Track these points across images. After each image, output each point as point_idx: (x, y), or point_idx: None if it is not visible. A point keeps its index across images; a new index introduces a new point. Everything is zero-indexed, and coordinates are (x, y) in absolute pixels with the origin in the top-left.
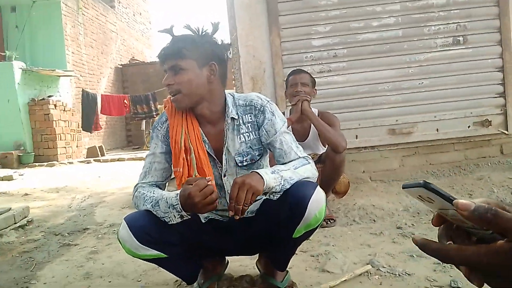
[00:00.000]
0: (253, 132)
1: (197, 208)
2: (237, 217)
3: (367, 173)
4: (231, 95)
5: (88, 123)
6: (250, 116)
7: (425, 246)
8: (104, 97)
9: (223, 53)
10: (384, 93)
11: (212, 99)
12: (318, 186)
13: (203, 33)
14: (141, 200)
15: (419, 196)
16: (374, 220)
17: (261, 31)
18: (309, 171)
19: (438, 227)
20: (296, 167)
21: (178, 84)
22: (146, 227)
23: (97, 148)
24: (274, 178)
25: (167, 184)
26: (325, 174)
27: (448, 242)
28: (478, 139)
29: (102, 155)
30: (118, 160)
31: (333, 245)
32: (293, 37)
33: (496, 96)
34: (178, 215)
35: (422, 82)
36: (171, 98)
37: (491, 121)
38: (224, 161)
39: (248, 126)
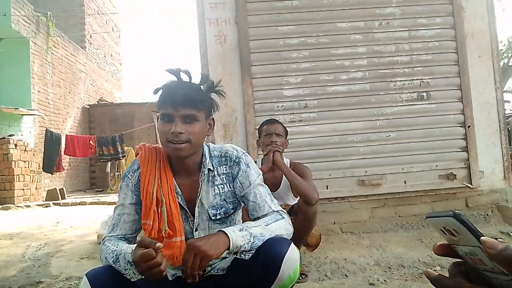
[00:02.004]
0: (227, 184)
1: (146, 275)
2: (189, 281)
3: (338, 224)
4: (207, 146)
5: (50, 164)
6: (225, 167)
7: (438, 281)
8: (68, 137)
9: (216, 108)
10: (353, 144)
11: (199, 150)
12: (292, 243)
13: (211, 87)
14: (104, 253)
15: (443, 228)
16: (346, 275)
17: (233, 79)
18: (283, 227)
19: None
20: (268, 224)
21: (190, 134)
22: (108, 285)
23: (58, 190)
24: (242, 236)
25: (137, 236)
26: (297, 227)
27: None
28: (443, 192)
29: (63, 198)
30: (79, 204)
31: None
32: (265, 87)
33: (459, 150)
34: (137, 272)
35: (390, 135)
36: (179, 145)
37: (455, 174)
38: (196, 214)
39: (222, 177)
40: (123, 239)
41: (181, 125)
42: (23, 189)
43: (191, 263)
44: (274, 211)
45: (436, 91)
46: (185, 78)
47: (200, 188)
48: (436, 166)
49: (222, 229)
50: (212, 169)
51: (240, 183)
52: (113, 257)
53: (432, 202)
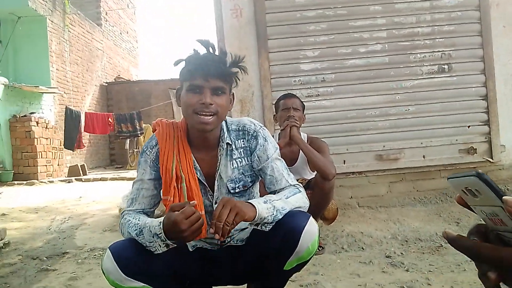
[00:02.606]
0: (245, 158)
1: (184, 236)
2: (218, 236)
3: (355, 199)
4: (224, 120)
5: (71, 141)
6: (243, 141)
7: (456, 241)
8: (88, 115)
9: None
10: (371, 119)
11: (220, 125)
12: (311, 216)
13: (235, 62)
14: (126, 227)
15: (465, 188)
16: (363, 248)
17: (249, 53)
18: (301, 200)
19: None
20: (288, 197)
21: (218, 106)
22: (132, 258)
23: (79, 167)
24: (266, 208)
25: (155, 210)
26: (314, 201)
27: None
28: (464, 166)
29: (84, 174)
30: (100, 179)
31: (322, 274)
32: (282, 61)
33: (480, 124)
34: (163, 244)
35: (409, 109)
36: (207, 118)
37: (476, 148)
38: (216, 188)
39: (240, 151)
40: (142, 213)
41: (210, 96)
42: (46, 165)
43: (225, 216)
44: (291, 185)
45: (458, 63)
46: (212, 51)
47: (219, 163)
48: (456, 140)
49: (249, 201)
50: (230, 143)
51: (258, 157)
52: (136, 230)
53: None
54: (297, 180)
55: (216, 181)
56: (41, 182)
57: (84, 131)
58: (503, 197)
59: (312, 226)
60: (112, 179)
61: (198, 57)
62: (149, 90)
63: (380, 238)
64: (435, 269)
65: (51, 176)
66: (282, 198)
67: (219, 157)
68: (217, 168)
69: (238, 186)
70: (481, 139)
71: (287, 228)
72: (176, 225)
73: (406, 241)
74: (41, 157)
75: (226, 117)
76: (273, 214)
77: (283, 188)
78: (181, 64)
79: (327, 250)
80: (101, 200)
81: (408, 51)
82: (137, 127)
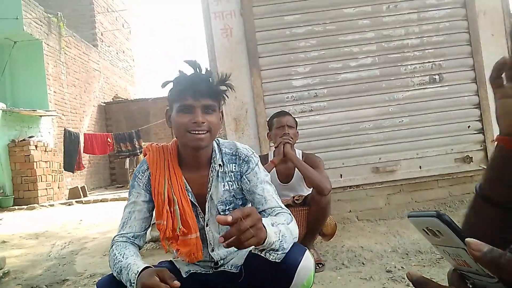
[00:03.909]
0: (236, 182)
1: None
2: (224, 243)
3: (354, 212)
4: (216, 141)
5: (71, 163)
6: (235, 166)
7: (419, 284)
8: (87, 136)
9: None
10: (365, 132)
11: (211, 144)
12: (307, 250)
13: (222, 80)
14: (112, 262)
15: (426, 228)
16: (363, 263)
17: (241, 72)
18: (296, 229)
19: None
20: (288, 223)
21: (210, 124)
22: None
23: (79, 188)
24: (274, 232)
25: (147, 233)
26: (311, 217)
27: None
28: (460, 175)
29: (85, 195)
30: (101, 201)
31: None
32: (274, 78)
33: (475, 132)
34: None
35: (402, 120)
36: (201, 135)
37: (472, 157)
38: (206, 210)
39: (231, 175)
40: (132, 237)
41: (201, 115)
42: (46, 189)
43: (246, 229)
44: (281, 207)
45: (449, 73)
46: (199, 71)
47: (211, 184)
48: (452, 149)
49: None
50: (222, 164)
51: (248, 180)
52: (117, 268)
53: (449, 186)
54: (293, 197)
55: (207, 203)
56: (42, 206)
57: (84, 152)
58: (466, 239)
59: (307, 262)
60: (113, 199)
61: (186, 77)
62: (147, 108)
63: (381, 252)
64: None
65: (51, 199)
66: (284, 223)
67: (210, 178)
68: (208, 189)
69: (229, 208)
70: (477, 147)
71: (282, 262)
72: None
73: (407, 254)
74: (41, 181)
75: (219, 138)
76: (279, 240)
77: (273, 208)
78: (169, 86)
79: (327, 267)
80: (101, 222)
81: (398, 63)
82: (136, 146)
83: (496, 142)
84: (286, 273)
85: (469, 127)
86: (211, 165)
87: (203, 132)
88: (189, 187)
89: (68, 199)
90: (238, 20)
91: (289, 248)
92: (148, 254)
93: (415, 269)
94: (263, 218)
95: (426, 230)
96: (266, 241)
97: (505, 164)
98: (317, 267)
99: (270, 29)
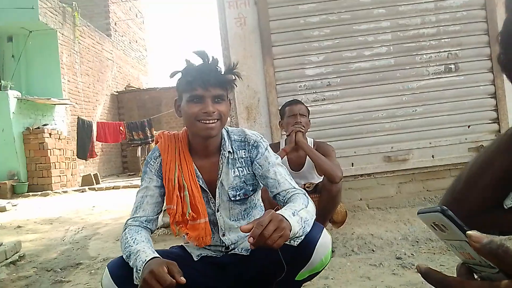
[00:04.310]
0: (246, 168)
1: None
2: (252, 241)
3: (364, 201)
4: (225, 129)
5: (83, 151)
6: (244, 152)
7: (427, 275)
8: (99, 124)
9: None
10: (378, 121)
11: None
12: (324, 228)
13: (230, 69)
14: (123, 245)
15: (433, 223)
16: (373, 250)
17: (255, 61)
18: (313, 210)
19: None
20: (307, 205)
21: (221, 112)
22: (129, 276)
23: (92, 176)
24: (297, 221)
25: (159, 219)
26: (322, 204)
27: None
28: None
29: (97, 183)
30: (113, 188)
31: (332, 278)
32: (287, 67)
33: (490, 122)
34: (138, 279)
35: (416, 110)
36: (211, 124)
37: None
38: (217, 195)
39: (241, 161)
40: (145, 221)
41: (212, 105)
42: (59, 176)
43: (271, 233)
44: (295, 188)
45: (465, 63)
46: (207, 61)
47: (221, 170)
48: (466, 139)
49: (279, 213)
50: (231, 151)
51: (259, 165)
52: (127, 252)
53: None
54: (305, 185)
55: (217, 189)
56: (55, 192)
57: (96, 140)
58: (467, 232)
59: (325, 239)
60: (125, 187)
61: (195, 67)
62: (159, 97)
63: (391, 239)
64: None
65: (65, 186)
66: (303, 208)
67: (221, 165)
68: (219, 175)
69: (239, 194)
70: (491, 137)
71: (302, 240)
72: (146, 284)
73: (417, 241)
74: (55, 168)
75: (227, 126)
76: (302, 227)
77: (287, 190)
78: (177, 76)
79: (337, 253)
80: (113, 209)
81: (413, 52)
82: (148, 135)
83: None
84: (306, 249)
85: (469, 127)
86: (221, 152)
87: (213, 121)
88: (199, 174)
89: (81, 186)
90: (252, 9)
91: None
92: (160, 240)
93: (425, 257)
94: (284, 210)
95: (433, 225)
96: (291, 233)
97: None
98: None
99: (284, 18)
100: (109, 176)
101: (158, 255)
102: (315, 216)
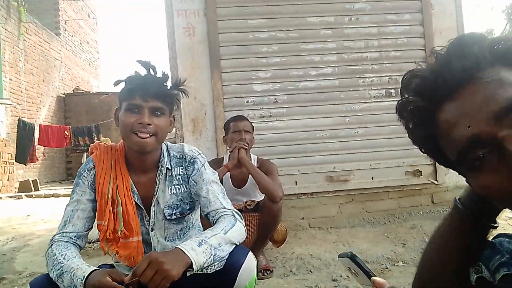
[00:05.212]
0: (183, 185)
1: None
2: None
3: (306, 220)
4: (165, 144)
5: (23, 155)
6: (181, 168)
7: None
8: (42, 127)
9: (178, 106)
10: (322, 140)
11: (158, 148)
12: (250, 252)
13: (176, 85)
14: (51, 263)
15: (348, 267)
16: (311, 271)
17: (202, 72)
18: (238, 232)
19: None
20: (226, 231)
21: (157, 126)
22: None
23: (31, 182)
24: (202, 251)
25: (88, 234)
26: (263, 223)
27: None
28: (410, 188)
29: (36, 189)
30: (52, 196)
31: None
32: (235, 81)
33: None
34: None
35: (358, 131)
36: (145, 138)
37: (421, 171)
38: (152, 213)
39: (179, 178)
40: (75, 237)
41: (150, 117)
42: None
43: (149, 278)
44: (225, 208)
45: None
46: (152, 72)
47: (157, 187)
48: (403, 162)
49: (180, 247)
50: (170, 168)
51: (194, 181)
52: (57, 270)
53: (399, 198)
54: (246, 202)
55: (152, 206)
56: None
57: (38, 144)
58: (372, 278)
59: (250, 263)
60: (66, 195)
61: (138, 77)
62: (110, 102)
63: (329, 260)
64: None
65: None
66: (219, 233)
67: (158, 182)
68: (155, 192)
69: (175, 212)
70: (427, 161)
71: (224, 266)
72: None
73: None
74: None
75: (168, 142)
76: (211, 254)
77: (216, 210)
78: (121, 85)
79: (276, 274)
80: (50, 218)
81: (357, 75)
82: (95, 141)
83: None
84: (229, 274)
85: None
86: (159, 168)
87: (148, 134)
88: (135, 189)
89: (17, 192)
90: (202, 20)
91: (227, 254)
92: (94, 254)
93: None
94: (190, 241)
95: (348, 269)
96: (195, 266)
97: None
98: (265, 274)
99: (234, 31)
100: (51, 182)
101: (96, 268)
102: (240, 240)
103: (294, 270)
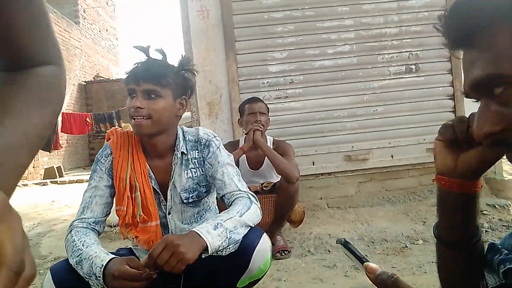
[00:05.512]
0: (199, 169)
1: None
2: (154, 276)
3: (324, 200)
4: (181, 128)
5: (47, 142)
6: (197, 152)
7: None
8: (65, 115)
9: (192, 89)
10: (340, 120)
11: (170, 132)
12: (264, 234)
13: (182, 65)
14: (70, 249)
15: (345, 253)
16: (329, 251)
17: (217, 55)
18: (254, 214)
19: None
20: (242, 214)
21: (151, 109)
22: (71, 281)
23: (55, 168)
24: (218, 234)
25: (106, 220)
26: (279, 204)
27: None
28: (431, 165)
29: (61, 176)
30: (76, 181)
31: (285, 280)
32: (250, 63)
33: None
34: (100, 285)
35: (377, 109)
36: (135, 121)
37: None
38: (169, 197)
39: (195, 162)
40: (93, 223)
41: (141, 100)
42: None
43: (165, 261)
44: (241, 190)
45: (425, 63)
46: (156, 55)
47: (173, 171)
48: (424, 139)
49: (196, 230)
50: (185, 152)
51: (210, 164)
52: (77, 257)
53: (420, 175)
54: (262, 184)
55: (169, 190)
56: None
57: (61, 131)
58: (364, 263)
59: (264, 245)
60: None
61: (139, 62)
62: None
63: (347, 239)
64: (397, 272)
65: (26, 178)
66: (235, 216)
67: (173, 166)
68: (171, 176)
69: (192, 196)
70: None
71: (239, 247)
72: (113, 278)
73: (372, 242)
74: None
75: (184, 126)
76: (227, 237)
77: (231, 192)
78: None
79: (293, 254)
80: (74, 204)
81: (376, 51)
82: (116, 126)
83: (435, 182)
84: (243, 256)
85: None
86: (174, 153)
87: (141, 118)
88: (152, 174)
89: (43, 179)
90: (216, 2)
91: (242, 237)
92: (116, 238)
93: (378, 258)
94: (206, 224)
95: (346, 254)
96: (210, 249)
97: (445, 203)
98: (283, 254)
99: (248, 12)
100: (75, 168)
101: (113, 256)
102: (255, 222)
103: (312, 250)
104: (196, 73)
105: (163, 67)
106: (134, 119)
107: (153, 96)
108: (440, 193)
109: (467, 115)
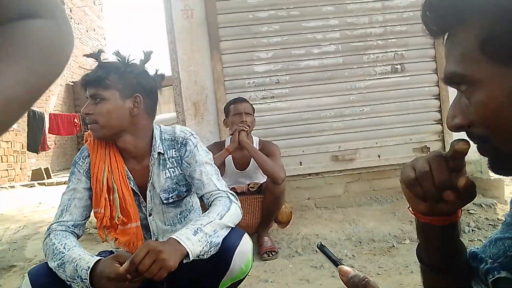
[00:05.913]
0: (178, 168)
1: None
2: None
3: (312, 200)
4: (158, 128)
5: (35, 144)
6: (174, 151)
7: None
8: (52, 116)
9: (151, 84)
10: (326, 120)
11: (136, 132)
12: (245, 234)
13: (130, 63)
14: (50, 252)
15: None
16: (316, 251)
17: (202, 56)
18: (234, 215)
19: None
20: (222, 216)
21: (97, 114)
22: (50, 285)
23: (43, 170)
24: (198, 240)
25: (86, 223)
26: (266, 205)
27: None
28: None
29: (49, 177)
30: (64, 183)
31: (271, 282)
32: (235, 63)
33: (434, 123)
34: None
35: (363, 109)
36: (91, 127)
37: (429, 147)
38: (148, 199)
39: (172, 161)
40: (72, 226)
41: (89, 106)
42: (7, 170)
43: (147, 268)
44: (220, 190)
45: (410, 63)
46: (112, 58)
47: (151, 172)
48: (410, 139)
49: (176, 237)
50: (162, 152)
51: (188, 163)
52: (58, 260)
53: None
54: (249, 185)
55: (148, 191)
56: (1, 187)
57: (49, 132)
58: (338, 266)
59: (245, 245)
60: None
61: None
62: None
63: (335, 240)
64: (384, 272)
65: (13, 180)
66: (215, 219)
67: (151, 167)
68: (149, 177)
69: (172, 196)
70: (435, 137)
71: (220, 249)
72: (102, 277)
73: (360, 242)
74: (2, 161)
75: (160, 125)
76: (208, 241)
77: (210, 192)
78: None
79: (281, 255)
80: None
81: (361, 51)
82: None
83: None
84: (224, 258)
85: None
86: (151, 153)
87: (91, 123)
88: (131, 176)
89: (30, 181)
90: (200, 1)
91: (222, 238)
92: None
93: (365, 258)
94: (185, 230)
95: (324, 257)
96: (191, 256)
97: (423, 231)
98: (271, 255)
99: (232, 12)
100: (64, 170)
101: (98, 257)
102: (235, 222)
103: (300, 250)
104: (145, 63)
105: (105, 68)
106: (89, 125)
107: (98, 100)
108: (418, 222)
109: None
